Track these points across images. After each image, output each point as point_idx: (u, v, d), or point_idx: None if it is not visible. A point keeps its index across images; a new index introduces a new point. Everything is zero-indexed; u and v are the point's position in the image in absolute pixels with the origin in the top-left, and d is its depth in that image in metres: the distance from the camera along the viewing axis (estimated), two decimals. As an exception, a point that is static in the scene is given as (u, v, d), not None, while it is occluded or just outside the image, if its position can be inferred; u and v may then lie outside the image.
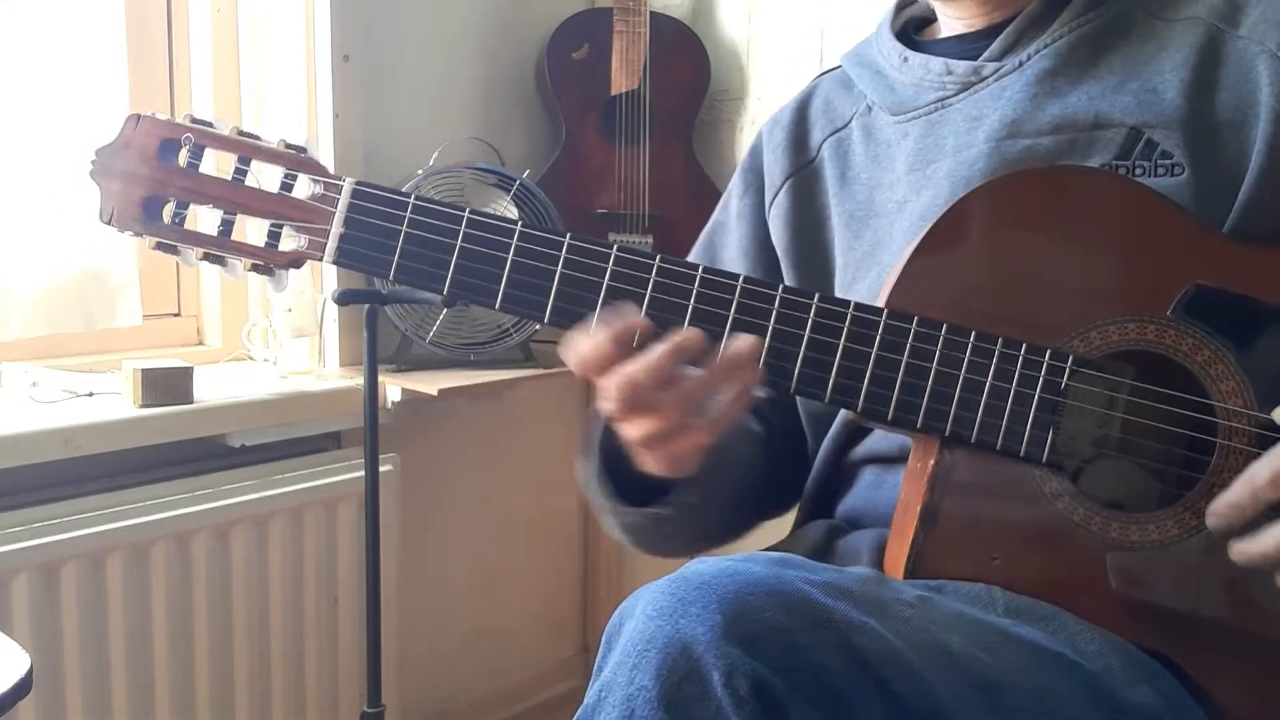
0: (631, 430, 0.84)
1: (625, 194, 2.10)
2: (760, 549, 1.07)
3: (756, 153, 1.14)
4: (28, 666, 1.03)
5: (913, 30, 1.10)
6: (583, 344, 0.83)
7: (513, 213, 1.86)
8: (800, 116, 1.11)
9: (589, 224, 2.07)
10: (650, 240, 2.09)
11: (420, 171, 1.84)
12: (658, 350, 0.81)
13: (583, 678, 2.41)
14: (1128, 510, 0.85)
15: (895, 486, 0.94)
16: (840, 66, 1.13)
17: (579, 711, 0.73)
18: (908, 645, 0.71)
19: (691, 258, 1.15)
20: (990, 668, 0.74)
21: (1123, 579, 0.83)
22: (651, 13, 2.11)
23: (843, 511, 1.01)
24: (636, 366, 0.81)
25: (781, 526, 1.11)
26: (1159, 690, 0.81)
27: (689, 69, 2.15)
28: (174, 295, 1.90)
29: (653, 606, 0.71)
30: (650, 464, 0.88)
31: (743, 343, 0.83)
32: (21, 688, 1.01)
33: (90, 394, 1.63)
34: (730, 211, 1.14)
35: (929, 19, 1.09)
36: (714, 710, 0.67)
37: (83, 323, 1.68)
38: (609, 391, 0.82)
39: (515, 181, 1.88)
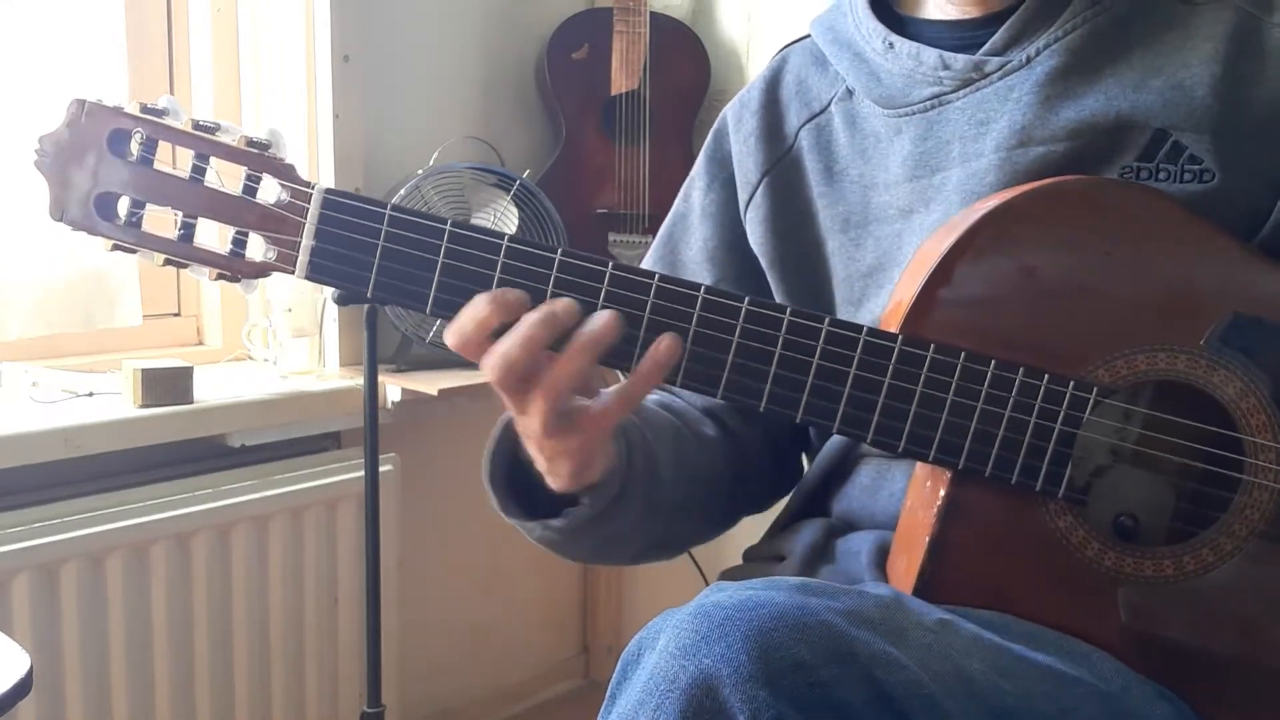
0: (528, 421, 0.80)
1: (625, 194, 2.10)
2: (752, 545, 1.07)
3: (721, 138, 1.04)
4: (28, 666, 1.03)
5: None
6: (463, 315, 0.77)
7: (513, 213, 1.86)
8: (771, 99, 1.02)
9: (589, 224, 2.07)
10: (650, 240, 2.08)
11: (420, 171, 1.84)
12: (529, 319, 0.76)
13: (583, 678, 2.41)
14: (1141, 544, 0.82)
15: (892, 495, 0.92)
16: (809, 36, 1.03)
17: None
18: (929, 674, 0.70)
19: (652, 251, 1.09)
20: (1010, 694, 0.72)
21: (1134, 614, 0.81)
22: (651, 13, 2.11)
23: (838, 511, 0.98)
24: (510, 341, 0.76)
25: (772, 518, 1.09)
26: (1177, 709, 0.80)
27: (689, 69, 2.15)
28: (174, 295, 1.90)
29: (675, 643, 0.68)
30: (556, 471, 0.84)
31: (602, 317, 0.77)
32: (21, 688, 1.01)
33: (90, 394, 1.63)
34: (693, 204, 1.05)
35: None
36: None
37: (83, 323, 1.68)
38: (485, 369, 0.77)
39: (515, 181, 1.88)
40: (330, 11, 1.83)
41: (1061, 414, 0.80)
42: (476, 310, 0.77)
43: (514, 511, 0.91)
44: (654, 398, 1.02)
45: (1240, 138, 0.85)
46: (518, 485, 0.91)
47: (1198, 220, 0.83)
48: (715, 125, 1.06)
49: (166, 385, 1.62)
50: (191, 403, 1.64)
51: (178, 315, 1.91)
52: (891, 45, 0.95)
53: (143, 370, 1.60)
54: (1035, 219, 0.83)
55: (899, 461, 0.92)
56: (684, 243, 1.06)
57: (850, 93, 0.98)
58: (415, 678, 2.03)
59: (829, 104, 0.99)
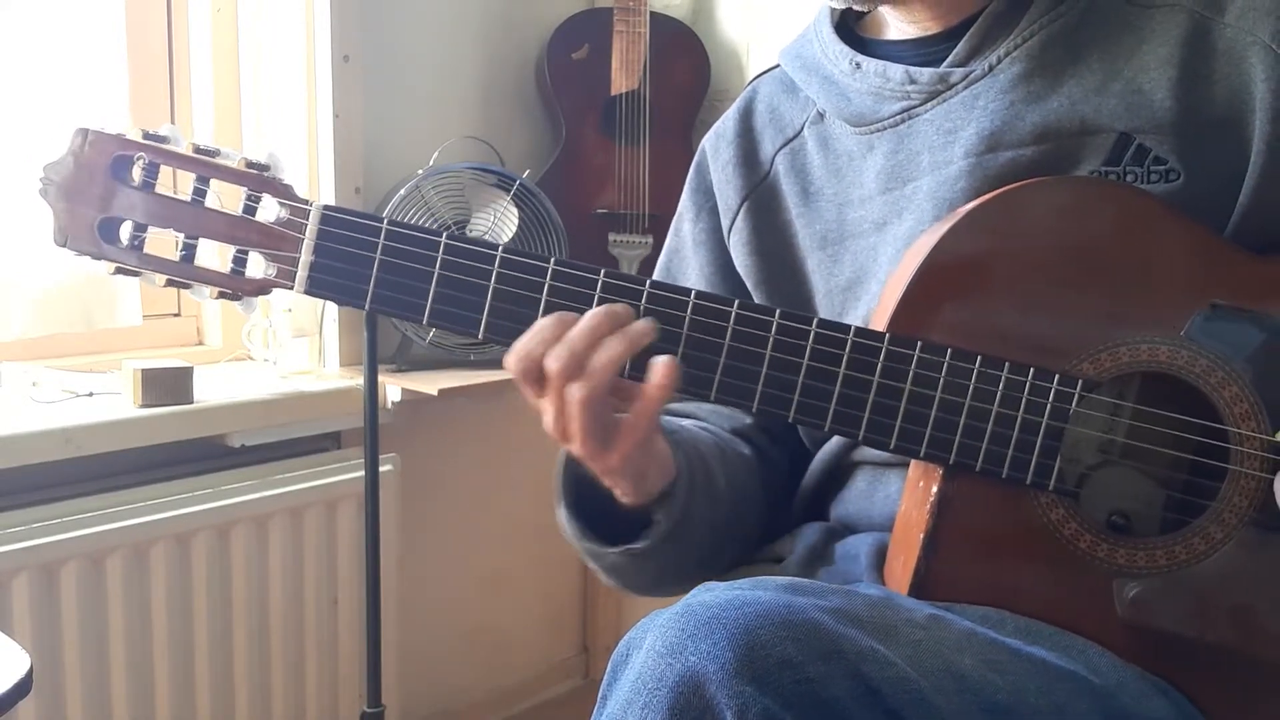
0: (574, 444, 0.82)
1: (625, 194, 2.10)
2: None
3: (703, 171, 1.08)
4: (28, 666, 1.03)
5: (853, 21, 1.02)
6: (526, 334, 0.80)
7: (513, 213, 1.86)
8: (745, 128, 1.05)
9: (589, 224, 2.07)
10: (650, 240, 2.09)
11: (420, 171, 1.84)
12: (599, 374, 0.79)
13: (582, 678, 2.41)
14: (1133, 535, 0.83)
15: (888, 497, 0.93)
16: (778, 66, 1.06)
17: None
18: (918, 671, 0.70)
19: None
20: (1001, 689, 0.73)
21: (1129, 605, 0.81)
22: (651, 13, 2.11)
23: (836, 515, 0.99)
24: (583, 391, 0.78)
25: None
26: (1174, 702, 0.80)
27: (689, 69, 2.15)
28: (174, 295, 1.90)
29: (661, 641, 0.69)
30: (618, 488, 0.86)
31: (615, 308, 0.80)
32: (21, 688, 1.01)
33: (90, 394, 1.63)
34: (685, 237, 1.08)
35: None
36: None
37: (83, 323, 1.68)
38: (572, 424, 0.80)
39: (515, 181, 1.88)
40: (330, 11, 1.83)
41: (1048, 407, 0.82)
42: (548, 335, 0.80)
43: (588, 538, 0.92)
44: (687, 420, 1.04)
45: (1201, 136, 0.87)
46: (586, 513, 0.93)
47: (1173, 214, 0.84)
48: (695, 159, 1.09)
49: (166, 385, 1.62)
50: (191, 403, 1.64)
51: (178, 315, 1.91)
52: (858, 65, 0.97)
53: (143, 370, 1.60)
54: (1015, 218, 0.85)
55: (894, 466, 0.93)
56: (682, 274, 1.09)
57: (821, 116, 1.01)
58: (415, 678, 2.03)
59: (801, 128, 1.02)
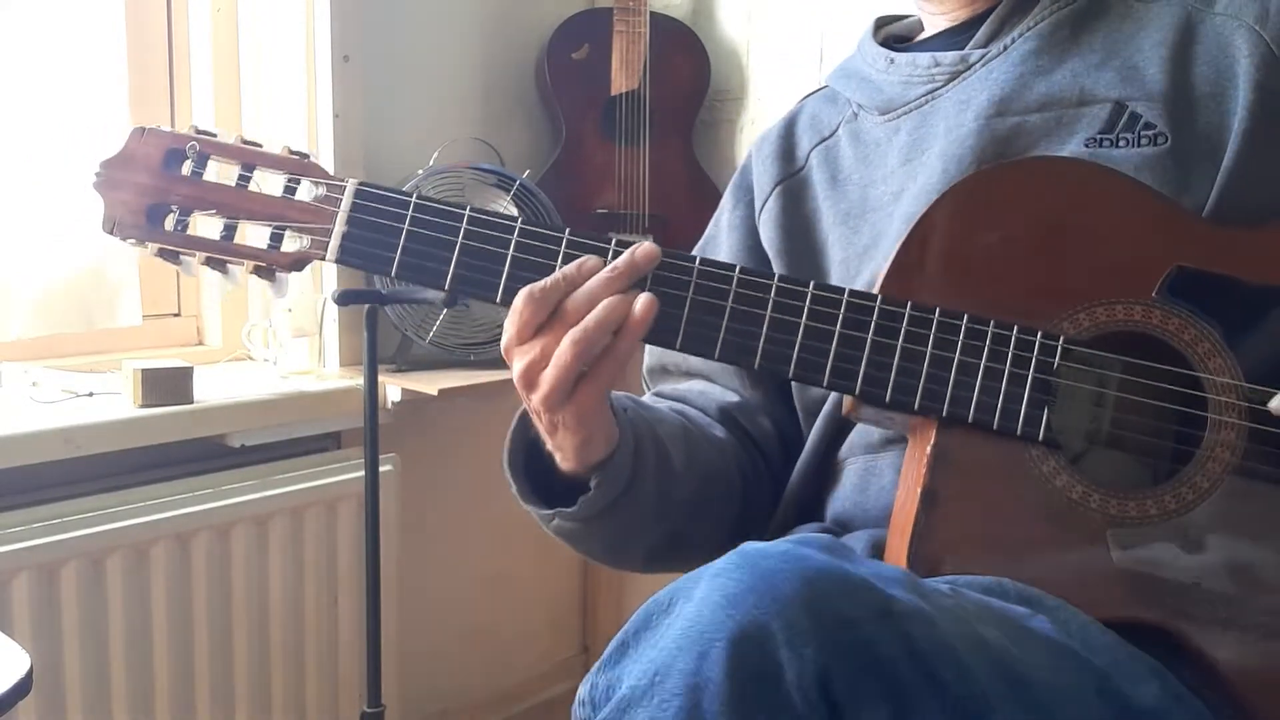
0: (540, 391, 0.85)
1: (625, 194, 2.10)
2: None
3: (746, 170, 1.16)
4: (28, 666, 1.03)
5: (894, 43, 1.12)
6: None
7: (513, 213, 1.86)
8: (788, 131, 1.13)
9: (589, 224, 2.07)
10: (649, 240, 2.08)
11: (420, 171, 1.84)
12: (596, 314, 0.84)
13: (583, 678, 2.41)
14: (1124, 486, 0.86)
15: (881, 489, 0.95)
16: (826, 87, 1.15)
17: (606, 688, 0.71)
18: (953, 634, 0.70)
19: None
20: (1019, 660, 0.73)
21: (1124, 554, 0.84)
22: (651, 13, 2.11)
23: (832, 515, 1.00)
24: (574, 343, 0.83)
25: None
26: (1164, 686, 0.80)
27: (689, 69, 2.15)
28: (174, 295, 1.90)
29: (719, 592, 0.67)
30: (561, 450, 0.89)
31: (643, 250, 0.87)
32: (21, 688, 1.01)
33: (90, 394, 1.63)
34: (721, 225, 1.16)
35: (908, 37, 1.12)
36: (785, 706, 0.64)
37: (83, 323, 1.68)
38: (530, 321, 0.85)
39: (515, 181, 1.88)
40: (330, 11, 1.83)
41: (1033, 361, 0.87)
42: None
43: (531, 500, 0.96)
44: (665, 404, 1.08)
45: (1188, 104, 0.95)
46: (535, 477, 0.96)
47: (1144, 188, 0.91)
48: (742, 163, 1.17)
49: (166, 385, 1.62)
50: (191, 403, 1.64)
51: (178, 315, 1.91)
52: (892, 60, 1.07)
53: (143, 370, 1.61)
54: (994, 194, 0.92)
55: (884, 455, 0.96)
56: (713, 254, 1.13)
57: (856, 115, 1.09)
58: (415, 678, 2.03)
59: (837, 128, 1.10)
